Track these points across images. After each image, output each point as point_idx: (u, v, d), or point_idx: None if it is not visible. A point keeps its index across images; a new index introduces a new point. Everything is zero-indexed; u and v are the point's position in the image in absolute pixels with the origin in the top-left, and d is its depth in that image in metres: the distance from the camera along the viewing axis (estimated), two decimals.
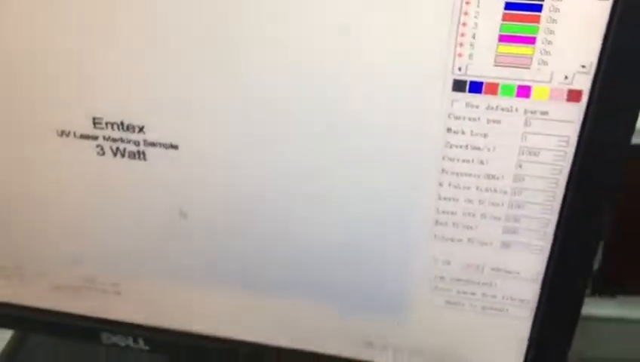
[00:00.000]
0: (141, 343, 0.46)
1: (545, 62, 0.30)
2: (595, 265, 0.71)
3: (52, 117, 0.38)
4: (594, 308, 0.73)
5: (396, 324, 0.40)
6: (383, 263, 0.38)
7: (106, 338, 0.46)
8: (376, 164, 0.35)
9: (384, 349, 0.42)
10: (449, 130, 0.33)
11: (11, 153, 0.40)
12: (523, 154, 0.33)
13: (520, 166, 0.33)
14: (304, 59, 0.32)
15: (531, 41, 0.30)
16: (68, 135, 0.38)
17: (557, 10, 0.29)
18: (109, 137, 0.38)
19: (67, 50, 0.35)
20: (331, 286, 0.40)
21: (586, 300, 0.69)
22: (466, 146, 0.33)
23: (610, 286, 0.72)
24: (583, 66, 0.30)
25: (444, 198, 0.35)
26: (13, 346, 0.69)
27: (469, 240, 0.36)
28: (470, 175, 0.34)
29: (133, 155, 0.38)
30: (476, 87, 0.31)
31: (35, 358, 0.69)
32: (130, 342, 0.46)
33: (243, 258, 0.40)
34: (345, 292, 0.40)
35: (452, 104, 0.32)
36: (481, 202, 0.35)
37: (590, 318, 0.73)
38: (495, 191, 0.34)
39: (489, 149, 0.33)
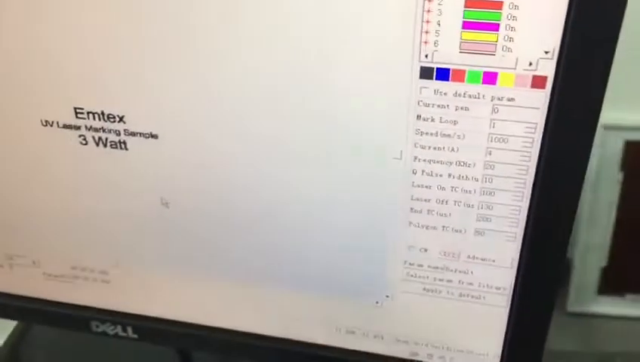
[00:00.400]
0: (130, 331, 0.46)
1: (509, 49, 0.30)
2: (603, 264, 0.71)
3: (36, 107, 0.39)
4: (603, 306, 0.73)
5: (375, 311, 0.40)
6: (360, 251, 0.39)
7: (95, 326, 0.47)
8: (349, 154, 0.35)
9: (365, 336, 0.42)
10: (419, 117, 0.33)
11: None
12: (492, 141, 0.33)
13: (490, 153, 0.33)
14: (277, 47, 0.33)
15: (494, 27, 0.30)
16: (52, 125, 0.39)
17: None
18: (91, 127, 0.38)
19: (48, 41, 0.36)
20: (309, 274, 0.40)
21: (596, 298, 0.70)
22: (436, 133, 0.34)
23: (619, 285, 0.72)
24: (547, 52, 0.30)
25: (418, 186, 0.36)
26: (17, 336, 0.71)
27: (444, 227, 0.36)
28: (442, 162, 0.34)
29: (114, 145, 0.39)
30: (443, 74, 0.32)
31: (38, 348, 0.70)
32: (119, 330, 0.47)
33: (223, 246, 0.41)
34: (323, 279, 0.40)
35: (420, 91, 0.32)
36: (453, 189, 0.35)
37: (600, 316, 0.73)
38: (467, 178, 0.35)
39: (459, 136, 0.33)
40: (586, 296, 0.73)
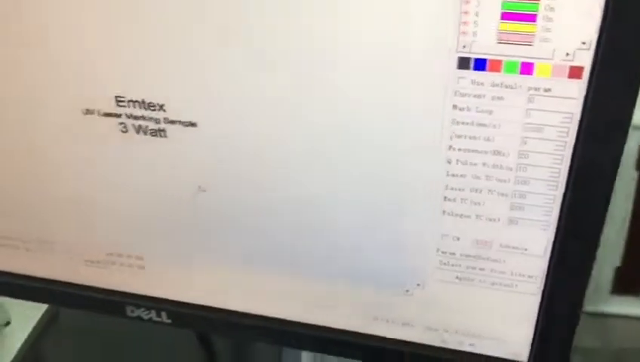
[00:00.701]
0: (164, 316, 0.47)
1: (546, 40, 0.31)
2: (617, 263, 0.71)
3: (77, 96, 0.40)
4: (617, 306, 0.73)
5: (406, 299, 0.41)
6: (393, 239, 0.39)
7: (130, 311, 0.48)
8: (384, 143, 0.36)
9: (394, 324, 0.43)
10: (455, 107, 0.34)
11: (39, 132, 0.42)
12: (527, 130, 0.33)
13: (525, 142, 0.34)
14: (313, 36, 0.34)
15: (532, 18, 0.30)
16: (92, 113, 0.40)
17: None
18: (132, 115, 0.39)
19: (90, 30, 0.37)
20: (341, 261, 0.41)
21: (609, 298, 0.70)
22: (472, 123, 0.34)
23: (634, 284, 0.72)
24: (584, 43, 0.30)
25: (452, 175, 0.36)
26: (46, 322, 0.72)
27: (477, 216, 0.37)
28: (477, 151, 0.35)
29: (154, 133, 0.40)
30: (480, 65, 0.32)
31: (65, 334, 0.72)
32: (154, 315, 0.48)
33: (258, 233, 0.41)
34: (355, 267, 0.41)
35: (458, 81, 0.33)
36: (487, 178, 0.36)
37: (615, 316, 0.73)
38: (501, 167, 0.35)
39: (494, 126, 0.34)
40: (600, 295, 0.73)
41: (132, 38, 0.37)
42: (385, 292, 0.42)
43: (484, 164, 0.35)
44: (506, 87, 0.32)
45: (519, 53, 0.32)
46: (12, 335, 0.73)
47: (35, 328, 0.74)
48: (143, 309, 0.48)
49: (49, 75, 0.39)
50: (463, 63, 0.32)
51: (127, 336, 0.69)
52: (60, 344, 0.72)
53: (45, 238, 0.47)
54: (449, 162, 0.36)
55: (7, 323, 0.73)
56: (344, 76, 0.34)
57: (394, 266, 0.40)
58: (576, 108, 0.32)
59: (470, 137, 0.35)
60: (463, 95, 0.33)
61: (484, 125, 0.34)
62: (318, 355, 0.62)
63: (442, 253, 0.39)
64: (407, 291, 0.41)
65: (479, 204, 0.37)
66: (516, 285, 0.39)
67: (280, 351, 0.65)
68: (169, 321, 0.47)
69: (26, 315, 0.74)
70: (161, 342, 0.65)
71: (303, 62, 0.35)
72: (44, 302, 0.50)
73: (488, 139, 0.34)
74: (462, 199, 0.37)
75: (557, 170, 0.34)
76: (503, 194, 0.36)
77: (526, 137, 0.34)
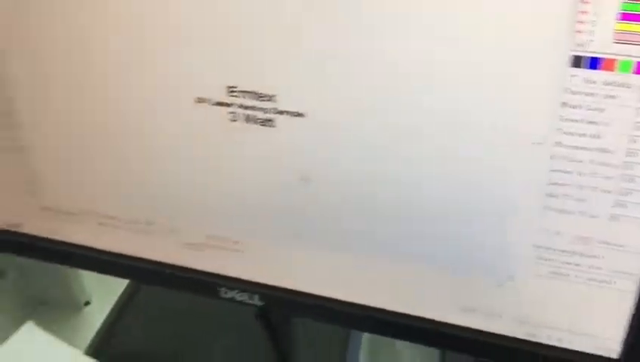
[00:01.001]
0: (256, 299, 0.49)
1: None
2: None
3: (191, 85, 0.42)
4: None
5: (497, 291, 0.42)
6: (491, 232, 0.40)
7: (223, 292, 0.50)
8: (493, 139, 0.37)
9: (483, 315, 0.44)
10: (565, 104, 0.35)
11: (151, 118, 0.44)
12: (637, 129, 0.34)
13: (634, 140, 0.35)
14: (428, 34, 0.35)
15: None
16: (204, 102, 0.42)
17: None
18: (242, 105, 0.41)
19: (205, 20, 0.39)
20: (438, 251, 0.42)
21: None
22: (582, 120, 0.35)
23: None
24: None
25: (557, 171, 0.37)
26: (125, 300, 0.75)
27: (580, 212, 0.38)
28: (584, 148, 0.36)
29: (262, 122, 0.41)
30: (594, 63, 0.33)
31: (144, 314, 0.75)
32: (246, 297, 0.50)
33: (357, 222, 0.43)
34: (450, 258, 0.42)
35: (570, 79, 0.34)
36: (593, 175, 0.36)
37: None
38: (607, 164, 0.36)
39: (605, 124, 0.35)
40: None
41: (248, 30, 0.38)
42: (477, 283, 0.43)
43: (590, 161, 0.36)
44: (619, 85, 0.33)
45: (634, 53, 0.32)
46: (92, 315, 0.76)
47: (113, 308, 0.76)
48: (236, 291, 0.50)
49: (165, 64, 0.41)
50: (577, 62, 0.33)
51: (201, 315, 0.72)
52: (137, 323, 0.75)
53: (148, 220, 0.49)
54: (554, 158, 0.37)
55: (87, 303, 0.76)
56: (457, 70, 0.36)
57: (490, 258, 0.41)
58: None
59: (578, 134, 0.35)
60: (574, 93, 0.34)
61: (594, 123, 0.35)
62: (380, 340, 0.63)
63: (540, 247, 0.40)
64: (501, 283, 0.42)
65: (582, 200, 0.37)
66: (614, 281, 0.39)
67: (347, 334, 0.67)
68: (261, 303, 0.49)
69: (105, 295, 0.77)
70: (234, 322, 0.67)
71: (421, 59, 0.36)
72: (137, 282, 0.52)
73: (597, 137, 0.35)
74: (565, 195, 0.37)
75: None
76: (606, 191, 0.37)
77: (635, 135, 0.34)
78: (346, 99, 0.39)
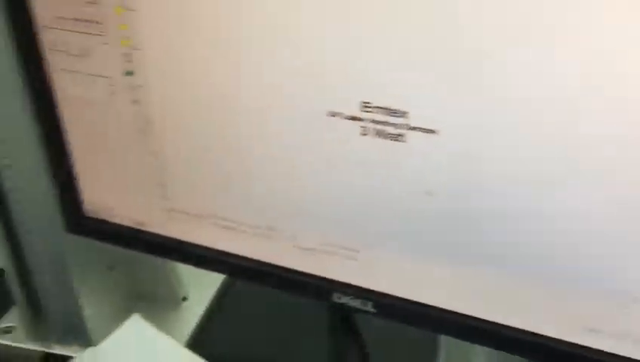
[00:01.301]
0: (369, 306, 0.51)
1: None
2: None
3: (325, 99, 0.43)
4: None
5: (626, 311, 0.42)
6: (630, 250, 0.40)
7: (336, 297, 0.52)
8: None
9: (607, 336, 0.44)
10: None
11: (282, 129, 0.46)
12: None
13: None
14: (571, 44, 0.36)
15: None
16: (336, 115, 0.44)
17: None
18: (374, 120, 0.43)
19: (344, 38, 0.40)
20: (570, 269, 0.42)
21: None
22: None
23: None
24: None
25: None
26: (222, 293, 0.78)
27: None
28: None
29: (393, 137, 0.43)
30: None
31: (241, 309, 0.77)
32: (358, 304, 0.51)
33: (481, 237, 0.44)
34: (582, 275, 0.42)
35: None
36: None
37: None
38: None
39: None
40: None
41: (386, 49, 0.40)
42: (605, 303, 0.43)
43: None
44: None
45: None
46: (189, 310, 0.78)
47: (211, 303, 0.79)
48: (350, 297, 0.51)
49: (304, 78, 0.43)
50: None
51: (296, 311, 0.74)
52: (234, 319, 0.77)
53: (271, 226, 0.51)
54: None
55: (184, 299, 0.79)
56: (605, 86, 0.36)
57: (623, 277, 0.41)
58: None
59: None
60: None
61: None
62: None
63: None
64: (629, 303, 0.42)
65: None
66: None
67: (436, 340, 0.67)
68: (374, 311, 0.51)
69: (202, 291, 0.80)
70: (324, 322, 0.69)
71: (559, 73, 0.36)
72: (253, 283, 0.55)
73: None
74: None
75: None
76: None
77: None
78: (480, 117, 0.40)
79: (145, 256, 0.60)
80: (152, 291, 0.77)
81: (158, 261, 0.73)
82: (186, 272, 0.78)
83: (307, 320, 0.74)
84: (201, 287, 0.80)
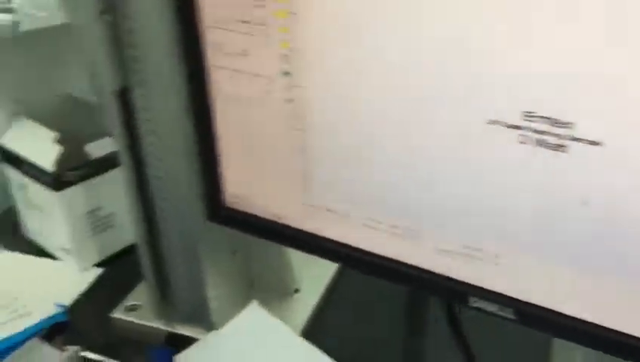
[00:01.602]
0: (509, 312, 0.51)
1: None
2: None
3: (487, 108, 0.44)
4: None
5: None
6: None
7: (473, 301, 0.53)
8: None
9: None
10: None
11: (438, 133, 0.47)
12: None
13: None
14: None
15: None
16: (496, 123, 0.44)
17: None
18: (535, 129, 0.43)
19: (509, 47, 0.41)
20: None
21: None
22: None
23: None
24: None
25: None
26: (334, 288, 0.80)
27: None
28: None
29: (553, 147, 0.43)
30: None
31: (352, 302, 0.79)
32: (496, 309, 0.52)
33: (633, 249, 0.44)
34: None
35: None
36: None
37: None
38: None
39: None
40: None
41: (552, 59, 0.40)
42: None
43: None
44: None
45: None
46: (301, 301, 0.80)
47: (322, 295, 0.81)
48: (487, 302, 0.52)
49: (469, 87, 0.44)
50: None
51: (405, 305, 0.75)
52: (346, 311, 0.79)
53: (410, 227, 0.52)
54: None
55: (297, 291, 0.81)
56: None
57: None
58: None
59: None
60: None
61: None
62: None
63: None
64: None
65: None
66: None
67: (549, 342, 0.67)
68: (513, 317, 0.51)
69: (314, 283, 0.82)
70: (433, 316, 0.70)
71: None
72: (389, 281, 0.56)
73: None
74: None
75: None
76: None
77: None
78: None
79: (263, 245, 0.61)
80: (266, 281, 0.79)
81: (276, 252, 0.75)
82: (299, 264, 0.80)
83: (417, 313, 0.75)
84: (313, 278, 0.82)
